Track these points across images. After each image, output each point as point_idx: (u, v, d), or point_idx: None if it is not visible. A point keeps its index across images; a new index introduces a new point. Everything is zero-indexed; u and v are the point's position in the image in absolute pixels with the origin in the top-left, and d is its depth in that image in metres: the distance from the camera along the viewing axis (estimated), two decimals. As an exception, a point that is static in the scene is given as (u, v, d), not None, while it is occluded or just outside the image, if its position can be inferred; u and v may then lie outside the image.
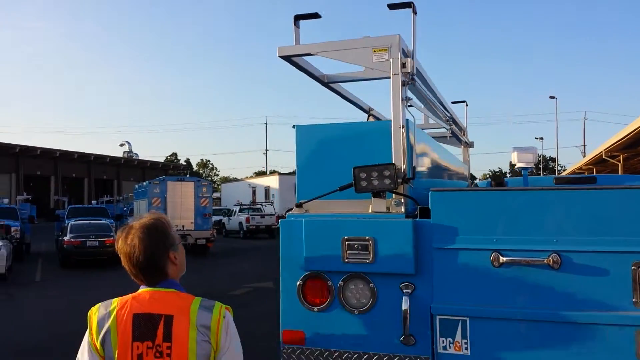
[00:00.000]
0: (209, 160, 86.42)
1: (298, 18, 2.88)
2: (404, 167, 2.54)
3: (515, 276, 2.34)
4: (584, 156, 53.94)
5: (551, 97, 53.70)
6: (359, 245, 2.49)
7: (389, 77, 2.60)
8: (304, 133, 2.88)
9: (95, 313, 2.08)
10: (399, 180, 2.50)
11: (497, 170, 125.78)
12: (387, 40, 2.60)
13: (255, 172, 70.31)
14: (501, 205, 2.40)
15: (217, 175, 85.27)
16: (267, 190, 40.42)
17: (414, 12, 2.64)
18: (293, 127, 2.91)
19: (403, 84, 2.56)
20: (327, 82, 3.32)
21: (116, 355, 2.01)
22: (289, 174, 48.31)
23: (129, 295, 2.09)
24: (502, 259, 2.34)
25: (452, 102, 5.26)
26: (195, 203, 22.30)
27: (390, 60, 2.59)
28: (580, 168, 33.77)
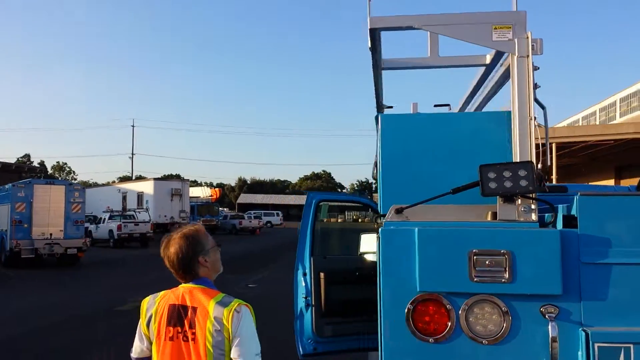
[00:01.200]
0: (65, 163, 79.65)
1: None
2: (539, 166, 2.15)
3: None
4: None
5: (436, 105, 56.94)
6: (492, 261, 2.04)
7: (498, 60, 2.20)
8: (390, 124, 2.38)
9: (145, 302, 2.66)
10: (537, 182, 2.09)
11: (363, 180, 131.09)
12: (510, 16, 2.20)
13: (120, 177, 66.11)
14: None
15: (75, 179, 78.93)
16: (140, 196, 37.97)
17: None
18: (376, 116, 2.40)
19: (535, 69, 2.17)
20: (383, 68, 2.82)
21: (155, 336, 2.56)
22: (163, 179, 46.02)
23: (170, 290, 2.64)
24: None
25: (435, 105, 5.00)
26: (65, 209, 20.23)
27: (515, 40, 2.19)
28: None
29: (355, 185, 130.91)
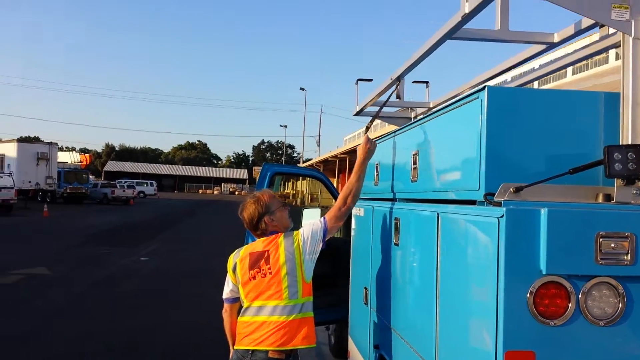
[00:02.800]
0: None
1: None
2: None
3: None
4: (319, 145, 59.01)
5: (301, 88, 57.28)
6: (617, 244, 2.03)
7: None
8: (497, 96, 2.26)
9: (232, 255, 3.35)
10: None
11: (240, 153, 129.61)
12: None
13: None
14: None
15: None
16: (1, 159, 34.21)
17: None
18: (483, 88, 2.26)
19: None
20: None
21: (240, 279, 3.23)
22: (26, 141, 41.82)
23: (251, 243, 3.36)
24: None
25: (414, 82, 4.96)
26: None
27: (632, 21, 2.17)
28: (335, 156, 36.93)
29: (232, 158, 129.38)
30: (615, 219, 2.04)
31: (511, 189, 2.14)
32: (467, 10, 2.34)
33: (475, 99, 2.34)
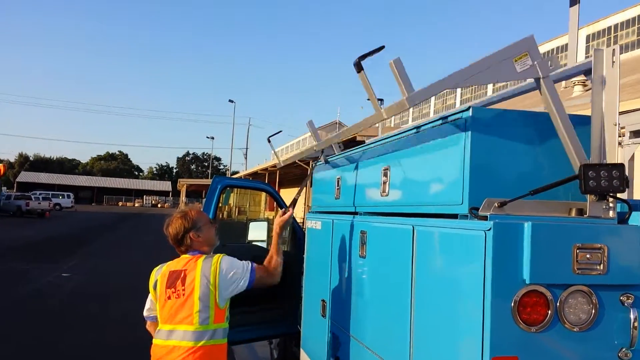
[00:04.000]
0: None
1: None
2: (620, 168, 2.35)
3: None
4: (246, 158, 58.77)
5: (230, 100, 56.86)
6: (592, 255, 2.20)
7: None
8: (480, 116, 2.40)
9: (155, 270, 3.26)
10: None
11: (164, 164, 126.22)
12: (522, 45, 2.34)
13: None
14: None
15: None
16: None
17: None
18: (468, 108, 2.39)
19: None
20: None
21: (158, 297, 3.16)
22: None
23: (174, 260, 3.22)
24: None
25: (368, 99, 5.10)
26: None
27: (535, 63, 2.33)
28: (265, 169, 36.84)
29: (155, 169, 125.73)
30: (590, 232, 2.21)
31: (496, 204, 2.27)
32: (384, 116, 2.51)
33: (459, 118, 2.46)
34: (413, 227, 2.79)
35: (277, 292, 6.04)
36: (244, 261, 3.23)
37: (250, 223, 6.99)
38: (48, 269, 14.78)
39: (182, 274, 3.11)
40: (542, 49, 38.49)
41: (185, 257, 3.20)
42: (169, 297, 3.10)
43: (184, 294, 3.07)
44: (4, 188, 44.02)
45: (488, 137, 2.39)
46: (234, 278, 3.13)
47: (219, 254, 3.20)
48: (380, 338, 3.21)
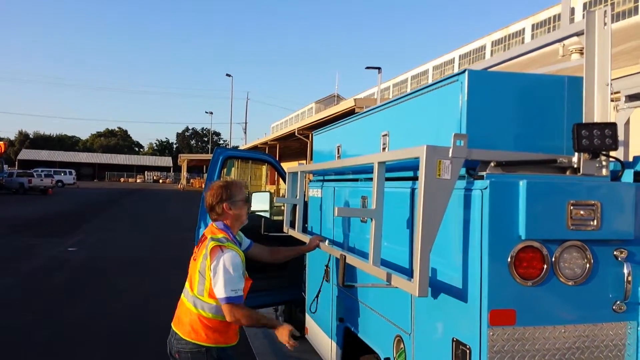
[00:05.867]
0: None
1: None
2: (612, 127, 2.40)
3: None
4: (246, 132, 58.70)
5: (227, 74, 56.44)
6: (585, 211, 2.27)
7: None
8: (476, 79, 2.45)
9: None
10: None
11: (164, 140, 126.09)
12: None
13: None
14: None
15: None
16: None
17: None
18: (463, 71, 2.44)
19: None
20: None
21: None
22: None
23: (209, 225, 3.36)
24: None
25: (366, 68, 5.13)
26: None
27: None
28: (265, 143, 36.81)
29: (155, 145, 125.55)
30: (584, 189, 2.29)
31: (492, 164, 2.33)
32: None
33: (455, 81, 2.51)
34: (412, 189, 2.85)
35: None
36: (229, 288, 3.05)
37: (253, 194, 7.07)
38: (55, 243, 14.96)
39: (203, 240, 3.25)
40: (541, 16, 38.22)
41: (212, 226, 3.29)
42: (194, 257, 3.28)
43: (195, 259, 3.24)
44: (5, 166, 44.08)
45: (483, 98, 2.45)
46: (213, 281, 3.09)
47: (232, 246, 3.16)
48: (383, 298, 3.31)
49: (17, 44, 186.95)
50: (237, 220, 3.34)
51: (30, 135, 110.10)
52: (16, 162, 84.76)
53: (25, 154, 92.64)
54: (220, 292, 3.06)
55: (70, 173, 66.39)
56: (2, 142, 42.84)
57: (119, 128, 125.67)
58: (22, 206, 29.08)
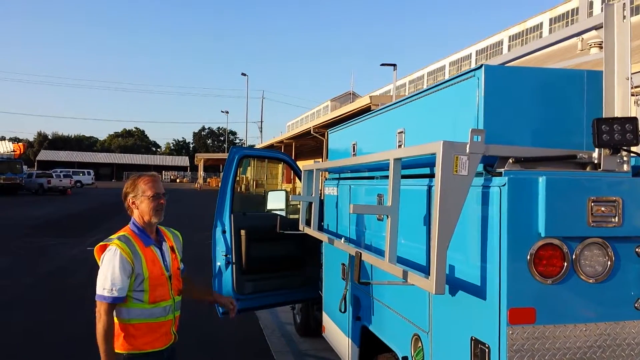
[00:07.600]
0: None
1: None
2: (633, 122, 2.36)
3: None
4: (261, 131, 58.92)
5: (243, 74, 56.64)
6: (606, 207, 2.23)
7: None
8: (493, 74, 2.42)
9: None
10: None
11: (180, 140, 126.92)
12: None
13: None
14: None
15: None
16: None
17: None
18: (480, 67, 2.41)
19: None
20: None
21: None
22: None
23: None
24: None
25: (382, 65, 5.10)
26: None
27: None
28: (281, 141, 36.92)
29: (172, 145, 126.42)
30: (605, 185, 2.25)
31: (510, 160, 2.30)
32: None
33: (471, 77, 2.48)
34: (429, 187, 2.83)
35: (300, 259, 6.19)
36: (106, 284, 2.93)
37: (269, 193, 7.09)
38: (74, 243, 15.14)
39: None
40: (558, 10, 37.75)
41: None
42: None
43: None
44: (24, 167, 44.73)
45: (500, 93, 2.41)
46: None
47: (117, 242, 2.97)
48: (400, 296, 3.29)
49: (36, 46, 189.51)
50: (145, 216, 3.05)
51: (49, 136, 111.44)
52: (35, 163, 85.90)
53: (44, 155, 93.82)
54: (101, 280, 2.93)
55: (89, 173, 67.17)
56: (21, 143, 43.46)
57: (136, 128, 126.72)
58: (42, 206, 29.47)
